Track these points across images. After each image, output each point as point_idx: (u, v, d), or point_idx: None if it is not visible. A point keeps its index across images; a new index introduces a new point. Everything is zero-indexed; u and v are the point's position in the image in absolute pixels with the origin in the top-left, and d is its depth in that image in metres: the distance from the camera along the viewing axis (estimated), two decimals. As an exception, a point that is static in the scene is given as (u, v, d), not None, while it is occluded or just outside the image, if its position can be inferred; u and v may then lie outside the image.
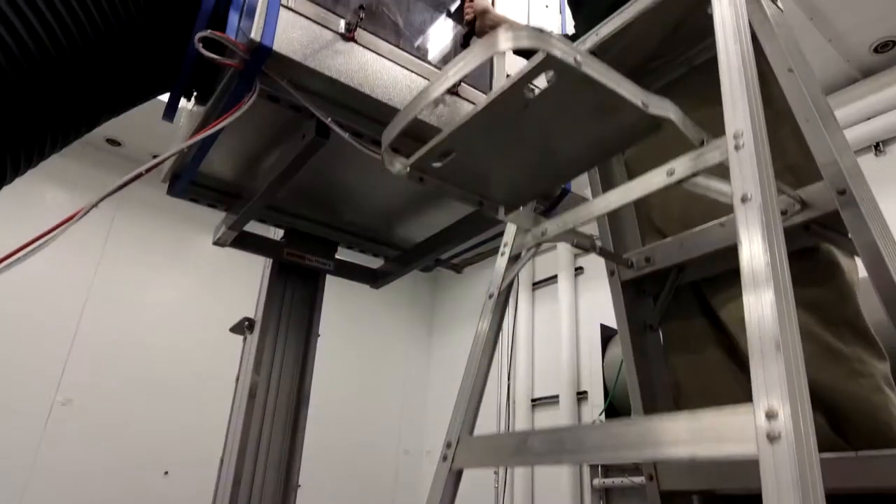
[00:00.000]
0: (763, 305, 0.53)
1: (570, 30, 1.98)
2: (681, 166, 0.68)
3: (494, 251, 1.47)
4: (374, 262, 2.46)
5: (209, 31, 1.35)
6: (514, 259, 0.87)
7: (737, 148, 0.61)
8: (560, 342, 4.50)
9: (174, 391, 4.39)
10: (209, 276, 4.54)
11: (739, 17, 0.82)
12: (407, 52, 1.65)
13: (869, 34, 3.23)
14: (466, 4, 1.81)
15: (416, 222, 2.22)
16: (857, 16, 3.13)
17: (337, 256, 2.29)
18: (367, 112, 1.55)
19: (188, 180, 1.91)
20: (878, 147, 3.33)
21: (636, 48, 1.06)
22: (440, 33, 2.09)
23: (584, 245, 0.88)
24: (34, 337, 3.98)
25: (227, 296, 4.32)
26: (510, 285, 0.86)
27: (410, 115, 0.64)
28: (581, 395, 4.43)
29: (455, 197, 0.79)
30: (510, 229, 0.91)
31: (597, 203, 0.80)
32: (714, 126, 0.83)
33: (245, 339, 2.16)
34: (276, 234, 2.23)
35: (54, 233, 1.20)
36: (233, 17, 1.49)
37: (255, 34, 1.34)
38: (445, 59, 1.99)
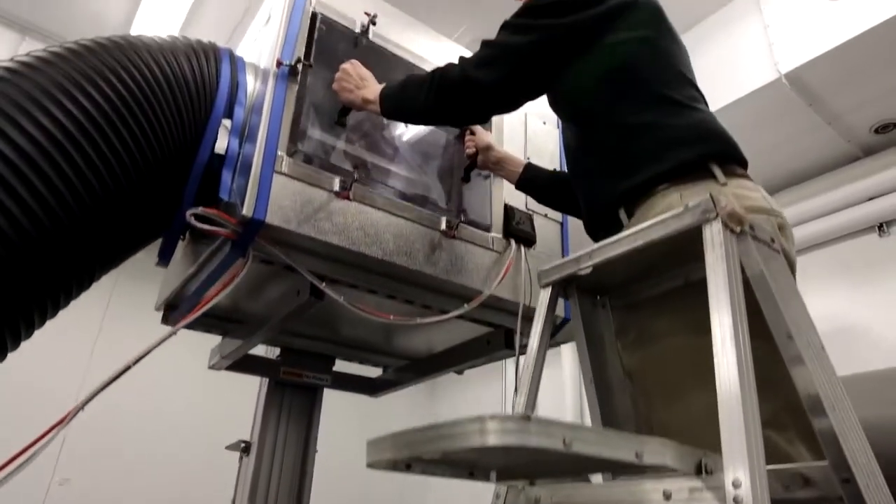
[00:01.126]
0: None
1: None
2: (677, 492, 0.65)
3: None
4: (373, 371, 2.43)
5: (200, 208, 1.34)
6: (508, 518, 0.84)
7: (736, 502, 0.59)
8: (564, 410, 4.45)
9: (174, 469, 4.33)
10: (208, 349, 4.48)
11: (734, 288, 0.79)
12: (403, 199, 1.63)
13: (868, 117, 3.22)
14: (467, 137, 1.80)
15: (416, 334, 2.19)
16: (855, 99, 3.12)
17: (334, 368, 2.27)
18: (363, 265, 1.53)
19: (187, 311, 1.88)
20: (881, 227, 3.31)
21: (631, 264, 1.04)
22: (441, 156, 2.08)
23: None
24: (31, 415, 3.93)
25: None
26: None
27: (398, 440, 0.61)
28: (586, 467, 4.36)
29: (443, 475, 0.76)
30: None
31: (595, 490, 0.77)
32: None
33: (241, 459, 2.13)
34: (271, 351, 2.21)
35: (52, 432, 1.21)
36: (226, 176, 1.47)
37: (248, 209, 1.32)
38: (446, 189, 1.98)
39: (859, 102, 3.13)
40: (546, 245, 1.90)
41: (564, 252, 1.94)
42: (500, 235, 1.79)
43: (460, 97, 1.34)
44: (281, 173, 1.41)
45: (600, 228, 1.32)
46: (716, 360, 0.73)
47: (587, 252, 1.01)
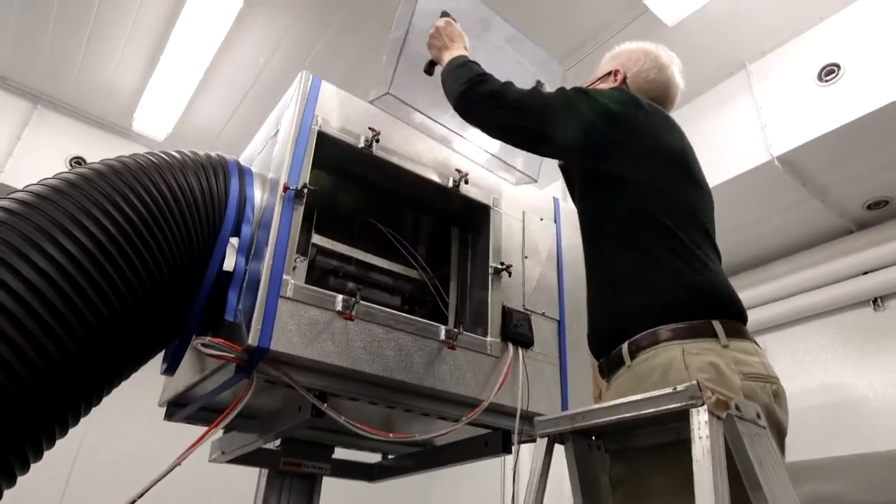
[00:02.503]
0: None
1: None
2: None
3: None
4: (371, 457, 2.45)
5: (207, 338, 1.38)
6: None
7: None
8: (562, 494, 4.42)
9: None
10: (208, 441, 4.41)
11: (718, 478, 0.83)
12: (404, 311, 1.67)
13: (860, 193, 3.28)
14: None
15: (415, 423, 2.21)
16: (847, 178, 3.19)
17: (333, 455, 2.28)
18: (364, 380, 1.56)
19: (197, 408, 1.91)
20: (876, 302, 3.35)
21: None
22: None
23: None
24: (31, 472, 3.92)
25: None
26: None
27: None
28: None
29: None
30: None
31: None
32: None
33: (240, 552, 2.14)
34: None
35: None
36: (231, 297, 1.52)
37: (253, 338, 1.36)
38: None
39: (851, 180, 3.20)
40: (543, 345, 1.94)
41: (562, 352, 1.98)
42: (498, 340, 1.82)
43: (482, 104, 1.50)
44: (286, 298, 1.45)
45: (602, 353, 1.37)
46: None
47: (581, 412, 1.06)
